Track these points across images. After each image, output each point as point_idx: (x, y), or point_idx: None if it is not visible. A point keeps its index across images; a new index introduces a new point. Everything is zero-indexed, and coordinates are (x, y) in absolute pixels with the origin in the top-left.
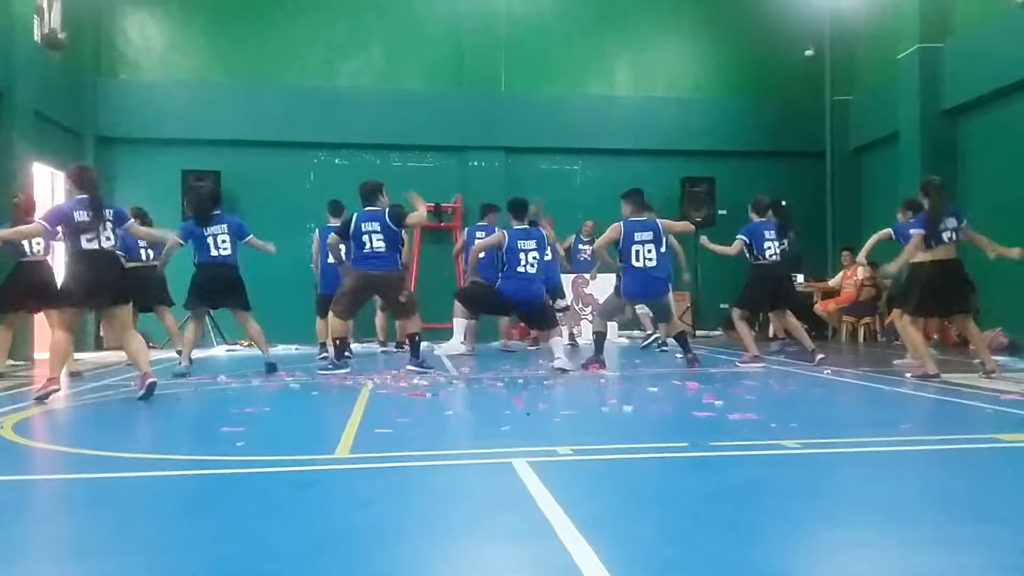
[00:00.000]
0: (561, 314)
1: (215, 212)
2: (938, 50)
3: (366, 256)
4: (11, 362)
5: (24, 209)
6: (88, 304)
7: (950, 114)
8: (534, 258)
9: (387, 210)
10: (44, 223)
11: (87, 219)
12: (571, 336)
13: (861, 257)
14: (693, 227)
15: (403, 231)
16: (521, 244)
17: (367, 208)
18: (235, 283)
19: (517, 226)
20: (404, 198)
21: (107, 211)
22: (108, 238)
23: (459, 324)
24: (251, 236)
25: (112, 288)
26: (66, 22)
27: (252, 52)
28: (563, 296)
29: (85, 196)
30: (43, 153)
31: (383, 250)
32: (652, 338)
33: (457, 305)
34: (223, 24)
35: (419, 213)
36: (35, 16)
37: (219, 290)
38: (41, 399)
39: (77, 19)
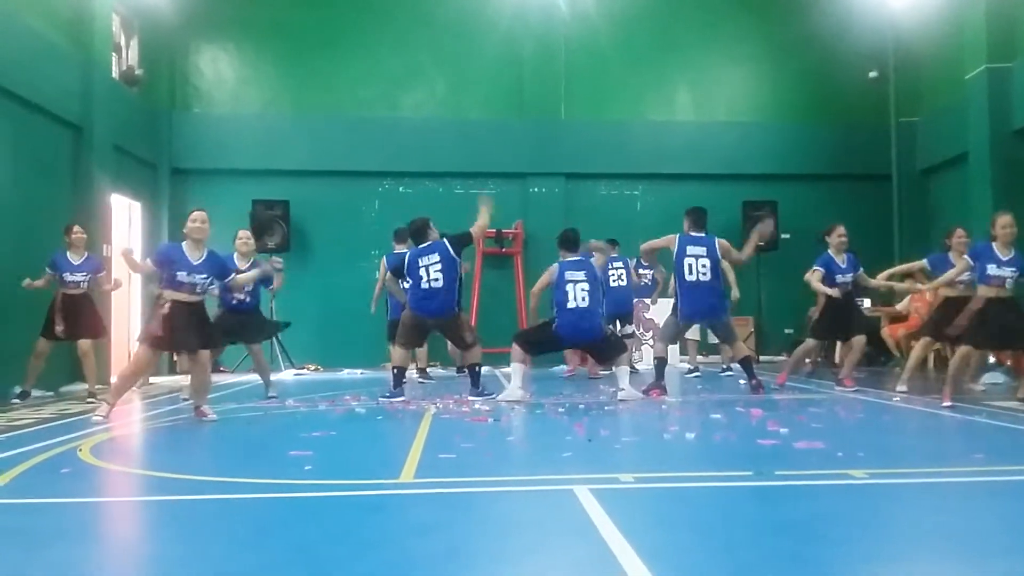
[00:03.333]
0: (631, 340)
1: None
2: (1007, 70)
3: (423, 296)
4: (99, 385)
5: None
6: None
7: (1021, 134)
8: (583, 290)
9: (445, 240)
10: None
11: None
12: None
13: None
14: (745, 259)
15: (461, 258)
16: (569, 276)
17: (419, 245)
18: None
19: (567, 258)
20: (479, 201)
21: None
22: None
23: (517, 369)
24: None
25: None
26: (143, 59)
27: (319, 85)
28: (631, 322)
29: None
30: (121, 184)
31: (440, 285)
32: (692, 371)
33: (516, 349)
34: (291, 59)
35: (482, 221)
36: (114, 54)
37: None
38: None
39: (153, 56)
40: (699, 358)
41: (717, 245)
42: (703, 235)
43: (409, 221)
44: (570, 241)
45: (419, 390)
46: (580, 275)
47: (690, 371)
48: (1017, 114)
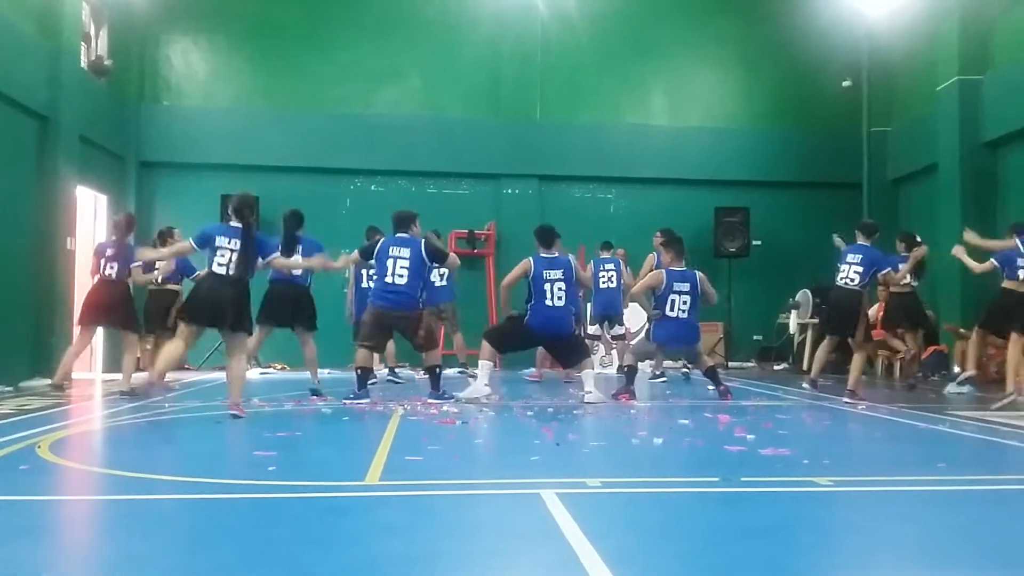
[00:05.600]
0: (620, 341)
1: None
2: (978, 82)
3: (385, 289)
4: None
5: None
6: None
7: (990, 146)
8: (560, 289)
9: (423, 241)
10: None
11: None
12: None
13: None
14: (715, 299)
15: (434, 266)
16: (547, 275)
17: (398, 234)
18: (302, 303)
19: (544, 254)
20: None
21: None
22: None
23: (485, 367)
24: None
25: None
26: (112, 49)
27: (292, 80)
28: (621, 323)
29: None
30: (87, 177)
31: (404, 283)
32: (659, 376)
33: (485, 347)
34: (264, 52)
35: (453, 257)
36: (82, 43)
37: (287, 309)
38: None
39: (123, 46)
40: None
41: (699, 280)
42: (686, 269)
43: (397, 211)
44: (546, 236)
45: (387, 391)
46: (558, 273)
47: (655, 376)
48: (987, 126)
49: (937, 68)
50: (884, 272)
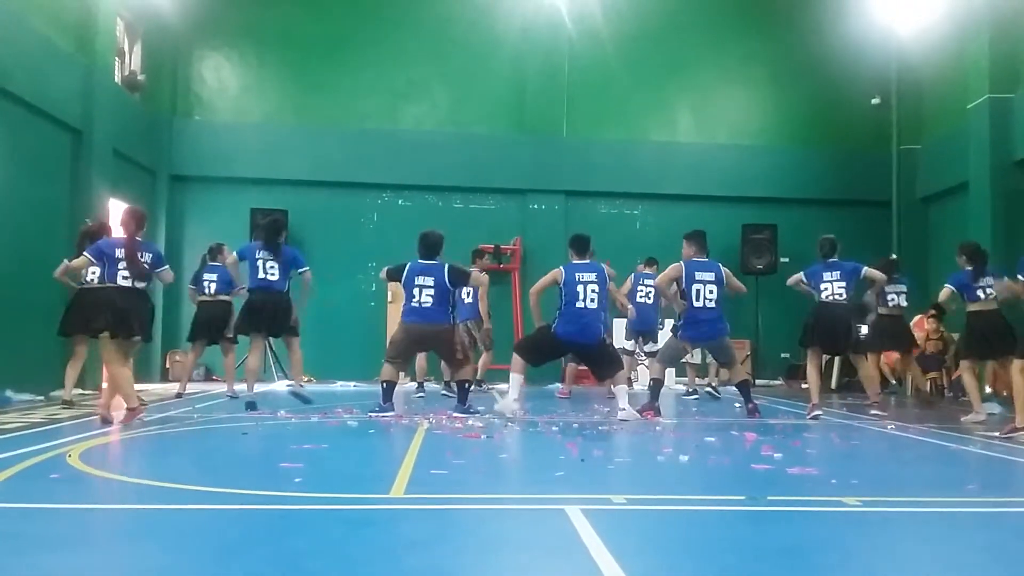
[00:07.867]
0: (652, 358)
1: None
2: (1009, 101)
3: (413, 309)
4: (79, 391)
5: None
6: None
7: (1021, 165)
8: (593, 291)
9: (446, 267)
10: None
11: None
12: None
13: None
14: (746, 290)
15: (454, 288)
16: (580, 276)
17: (423, 260)
18: (281, 310)
19: (577, 261)
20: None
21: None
22: (125, 276)
23: (516, 380)
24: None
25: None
26: (145, 64)
27: (321, 96)
28: (655, 340)
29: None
30: (119, 189)
31: (431, 305)
32: (691, 393)
33: (516, 360)
34: (294, 69)
35: (483, 277)
36: (116, 58)
37: (267, 317)
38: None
39: (156, 62)
40: (684, 380)
41: (723, 271)
42: (707, 260)
43: (424, 233)
44: (580, 244)
45: (412, 405)
46: (591, 276)
47: (688, 393)
48: (1018, 144)
49: (967, 86)
50: (863, 272)
